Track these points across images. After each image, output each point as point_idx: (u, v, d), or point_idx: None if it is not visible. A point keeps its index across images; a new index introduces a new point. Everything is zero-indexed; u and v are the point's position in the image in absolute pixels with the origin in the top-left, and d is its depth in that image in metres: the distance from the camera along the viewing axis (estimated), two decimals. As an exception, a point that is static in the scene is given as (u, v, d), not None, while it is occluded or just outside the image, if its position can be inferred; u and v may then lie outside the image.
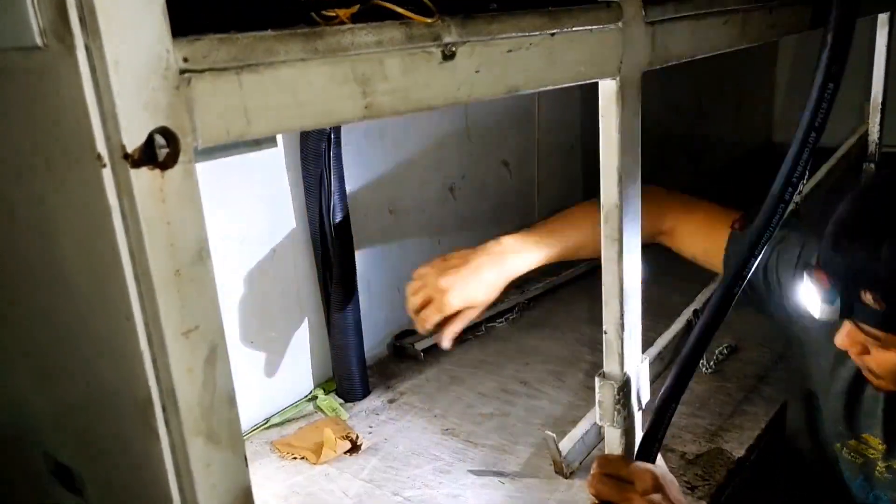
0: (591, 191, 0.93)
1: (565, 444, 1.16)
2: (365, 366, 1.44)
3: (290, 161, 1.31)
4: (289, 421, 1.37)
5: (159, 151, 0.46)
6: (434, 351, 1.58)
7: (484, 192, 1.74)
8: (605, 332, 0.80)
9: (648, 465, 0.85)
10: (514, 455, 1.22)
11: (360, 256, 1.42)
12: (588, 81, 0.72)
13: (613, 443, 0.84)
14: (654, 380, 0.97)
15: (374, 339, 1.55)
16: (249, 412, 1.35)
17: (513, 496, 1.12)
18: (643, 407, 0.86)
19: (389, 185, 1.51)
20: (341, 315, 1.41)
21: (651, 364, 0.91)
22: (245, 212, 1.27)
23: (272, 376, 1.38)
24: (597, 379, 0.81)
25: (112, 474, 0.58)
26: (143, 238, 0.46)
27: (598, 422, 0.83)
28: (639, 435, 0.86)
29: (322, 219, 1.36)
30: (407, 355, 1.57)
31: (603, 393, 0.81)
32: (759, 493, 1.26)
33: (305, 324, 1.41)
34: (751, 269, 0.85)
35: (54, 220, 0.51)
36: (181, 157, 0.47)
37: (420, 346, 1.57)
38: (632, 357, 0.82)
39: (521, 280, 1.86)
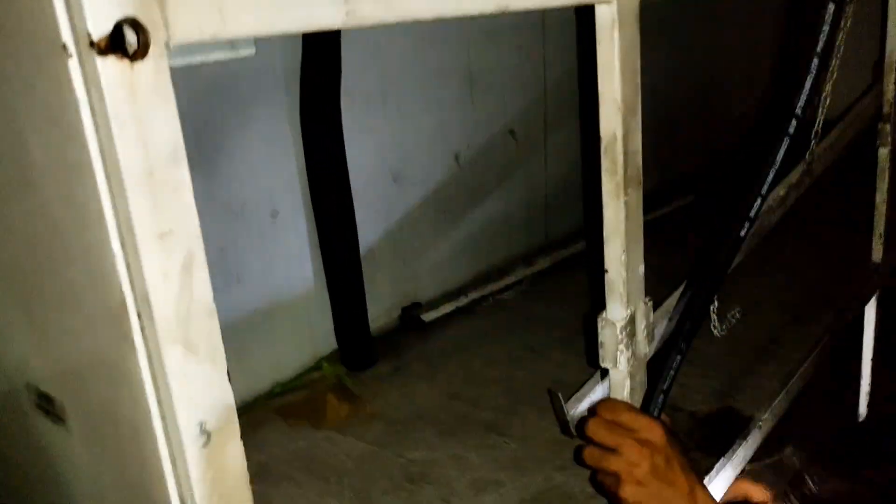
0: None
1: (572, 405, 1.13)
2: (369, 334, 1.43)
3: (290, 123, 1.29)
4: (294, 389, 1.35)
5: (128, 42, 0.44)
6: (441, 322, 1.56)
7: (490, 161, 1.71)
8: (607, 272, 0.78)
9: (655, 418, 0.82)
10: (519, 417, 1.20)
11: (362, 226, 1.40)
12: (583, 3, 0.70)
13: (617, 387, 0.81)
14: (662, 342, 0.93)
15: (380, 310, 1.53)
16: (254, 381, 1.34)
17: (517, 456, 1.10)
18: (648, 352, 0.83)
19: (392, 152, 1.49)
20: (343, 284, 1.40)
21: (657, 323, 0.89)
22: (244, 175, 1.26)
23: (276, 345, 1.36)
24: (598, 320, 0.79)
25: (91, 394, 0.56)
26: (114, 135, 0.45)
27: (601, 364, 0.80)
28: (644, 384, 0.84)
29: (322, 184, 1.34)
30: (413, 326, 1.55)
31: (605, 334, 0.78)
32: (772, 455, 1.22)
33: (309, 292, 1.39)
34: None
35: (23, 122, 0.49)
36: (152, 51, 0.45)
37: (427, 317, 1.55)
38: (634, 298, 0.79)
39: (528, 253, 1.84)
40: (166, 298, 0.48)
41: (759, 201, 0.83)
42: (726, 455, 1.07)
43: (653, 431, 0.79)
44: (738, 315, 1.46)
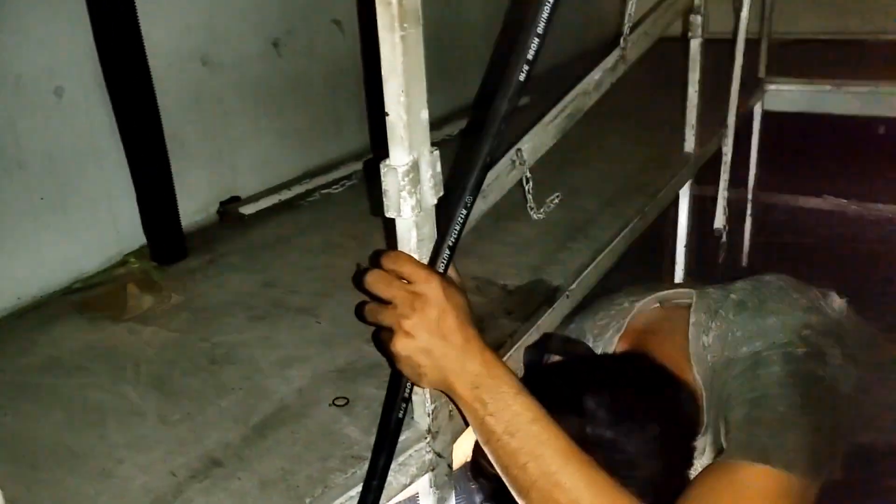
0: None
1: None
2: (179, 225, 1.34)
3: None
4: (96, 286, 1.26)
5: None
6: (263, 216, 1.50)
7: (314, 52, 1.63)
8: (388, 115, 0.75)
9: (436, 271, 0.80)
10: (334, 300, 1.17)
11: (169, 112, 1.30)
12: None
13: (404, 238, 0.79)
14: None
15: (194, 205, 1.45)
16: (49, 276, 1.23)
17: (327, 334, 1.08)
18: (436, 203, 0.82)
19: (199, 31, 1.38)
20: (148, 172, 1.30)
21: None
22: (20, 46, 1.12)
23: (73, 238, 1.25)
24: (381, 166, 0.76)
25: None
26: None
27: (385, 214, 0.78)
28: (433, 236, 0.82)
29: (115, 61, 1.22)
30: (231, 220, 1.48)
31: (387, 180, 0.76)
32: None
33: (108, 182, 1.28)
34: None
35: None
36: None
37: (246, 209, 1.48)
38: (418, 143, 0.77)
39: (362, 150, 1.80)
40: None
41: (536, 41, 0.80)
42: (530, 320, 1.10)
43: (429, 283, 0.76)
44: (556, 200, 1.50)
